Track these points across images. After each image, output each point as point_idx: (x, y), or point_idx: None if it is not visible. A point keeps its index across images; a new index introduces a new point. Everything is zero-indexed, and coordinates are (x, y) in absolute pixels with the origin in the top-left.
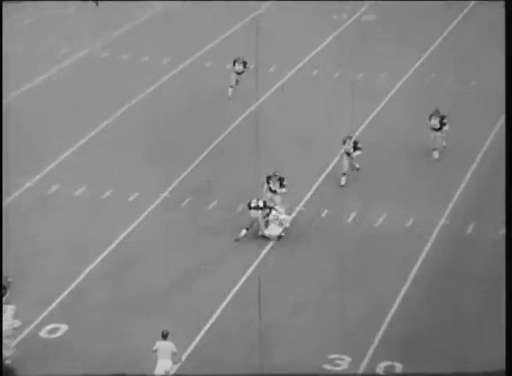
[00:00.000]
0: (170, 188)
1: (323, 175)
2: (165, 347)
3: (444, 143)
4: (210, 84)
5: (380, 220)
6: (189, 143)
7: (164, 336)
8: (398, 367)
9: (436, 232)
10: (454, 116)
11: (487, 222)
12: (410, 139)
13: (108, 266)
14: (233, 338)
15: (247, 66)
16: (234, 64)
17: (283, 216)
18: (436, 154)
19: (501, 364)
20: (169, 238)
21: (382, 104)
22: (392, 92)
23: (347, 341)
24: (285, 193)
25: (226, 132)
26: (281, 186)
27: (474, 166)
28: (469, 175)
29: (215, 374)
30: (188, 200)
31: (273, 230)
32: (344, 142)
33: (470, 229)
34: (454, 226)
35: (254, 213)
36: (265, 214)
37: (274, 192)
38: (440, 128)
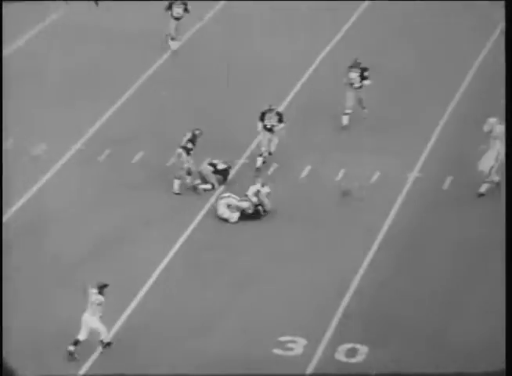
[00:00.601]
0: (84, 138)
1: None
2: (93, 301)
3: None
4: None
5: (340, 175)
6: (109, 82)
7: (99, 288)
8: (363, 350)
9: (407, 187)
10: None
11: (467, 174)
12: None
13: (8, 234)
14: (164, 319)
15: (188, 8)
16: (171, 7)
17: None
18: (346, 120)
19: (480, 346)
20: (84, 198)
21: (339, 35)
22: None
23: (301, 321)
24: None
25: (155, 68)
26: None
27: (449, 109)
28: (444, 119)
29: (137, 367)
30: (107, 152)
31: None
32: (263, 117)
33: (447, 182)
34: (428, 180)
35: (207, 169)
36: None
37: (189, 152)
38: (361, 86)
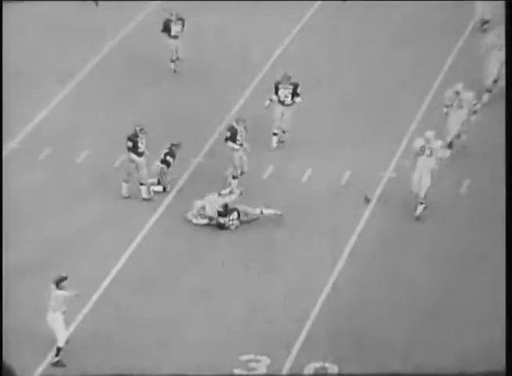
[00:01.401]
0: (21, 136)
1: (228, 117)
2: (54, 298)
3: (283, 131)
4: None
5: (306, 175)
6: (48, 71)
7: (56, 283)
8: (332, 369)
9: (380, 188)
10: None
11: (446, 173)
12: (343, 76)
13: None
14: (114, 333)
15: (185, 23)
16: (168, 27)
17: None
18: (275, 141)
19: (456, 361)
20: (21, 205)
21: (302, 25)
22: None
23: (264, 337)
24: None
25: (104, 53)
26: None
27: (423, 107)
28: (419, 116)
29: None
30: (47, 151)
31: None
32: (236, 137)
33: None
34: (403, 180)
35: (158, 167)
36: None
37: (140, 154)
38: (292, 103)
